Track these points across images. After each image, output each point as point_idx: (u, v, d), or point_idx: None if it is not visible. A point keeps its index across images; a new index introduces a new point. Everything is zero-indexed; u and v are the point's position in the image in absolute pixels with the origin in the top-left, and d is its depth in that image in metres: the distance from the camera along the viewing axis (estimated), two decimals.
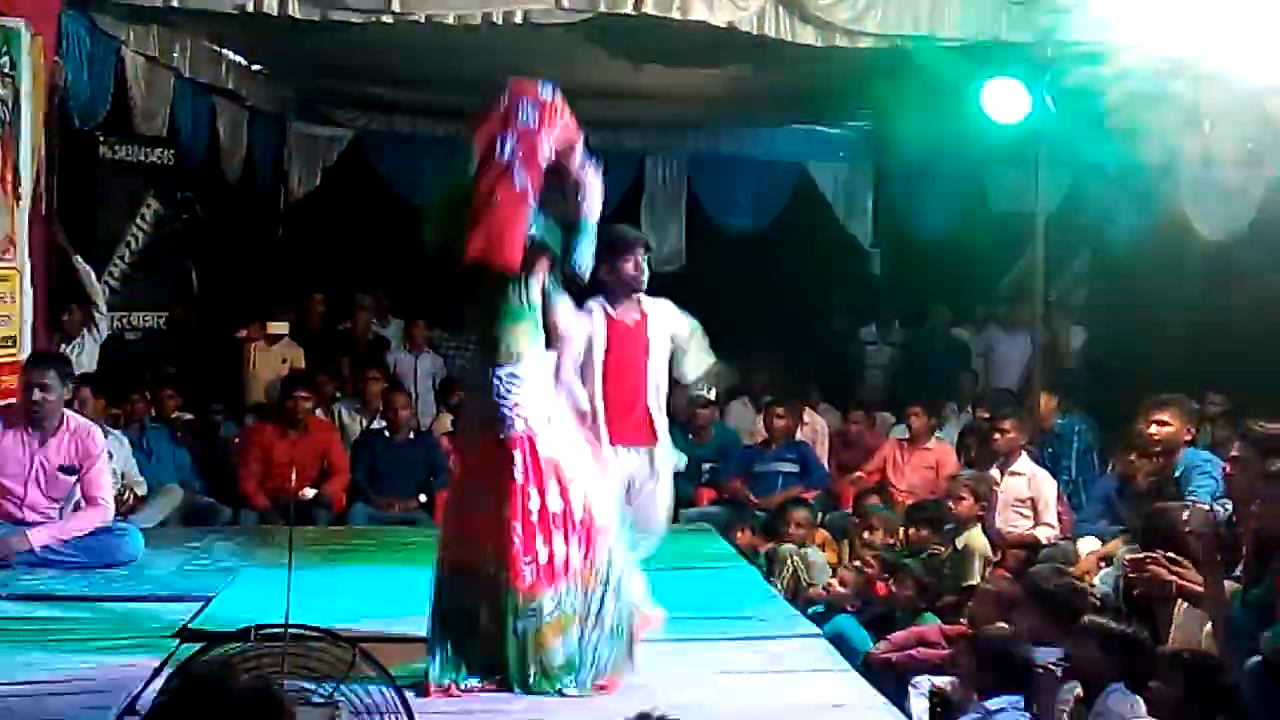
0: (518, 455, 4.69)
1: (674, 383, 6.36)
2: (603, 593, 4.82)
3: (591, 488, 4.87)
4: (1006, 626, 5.28)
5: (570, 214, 4.91)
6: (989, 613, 5.71)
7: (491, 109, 4.84)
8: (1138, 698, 4.37)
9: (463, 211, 4.74)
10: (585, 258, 4.94)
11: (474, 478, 4.86)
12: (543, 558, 4.69)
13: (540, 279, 4.88)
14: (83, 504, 6.61)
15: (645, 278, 6.02)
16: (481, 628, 4.72)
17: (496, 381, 4.72)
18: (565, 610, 4.73)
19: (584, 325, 5.78)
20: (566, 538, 4.74)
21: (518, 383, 4.73)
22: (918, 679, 5.42)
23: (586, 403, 5.77)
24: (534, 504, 4.69)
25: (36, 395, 6.46)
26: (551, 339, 5.07)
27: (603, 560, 4.82)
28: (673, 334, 6.17)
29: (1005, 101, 8.87)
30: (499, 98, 4.85)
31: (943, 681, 5.35)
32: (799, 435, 9.60)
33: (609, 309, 6.00)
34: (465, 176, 4.79)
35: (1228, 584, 4.97)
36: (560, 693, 4.71)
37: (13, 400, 6.82)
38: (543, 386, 4.86)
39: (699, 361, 6.27)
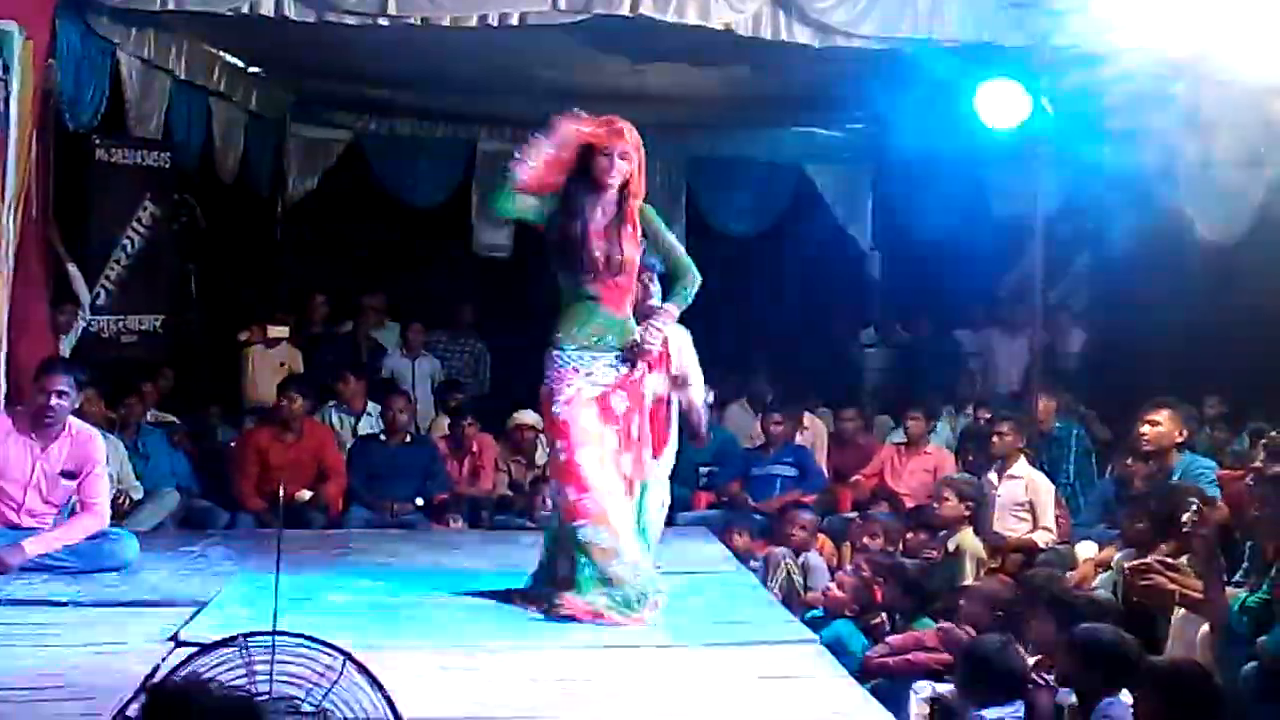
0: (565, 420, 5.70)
1: None
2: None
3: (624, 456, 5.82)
4: (997, 634, 5.26)
5: None
6: (979, 613, 5.69)
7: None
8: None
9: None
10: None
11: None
12: (585, 495, 5.60)
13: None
14: (79, 510, 6.59)
15: (652, 300, 6.27)
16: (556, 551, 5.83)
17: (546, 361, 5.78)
18: (605, 543, 5.59)
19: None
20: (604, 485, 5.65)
21: (554, 364, 5.73)
22: (918, 685, 5.39)
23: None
24: (564, 454, 5.65)
25: (54, 401, 6.42)
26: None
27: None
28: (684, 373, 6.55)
29: (1004, 104, 8.85)
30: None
31: (944, 688, 5.33)
32: (798, 439, 9.58)
33: None
34: None
35: (1228, 590, 4.96)
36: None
37: None
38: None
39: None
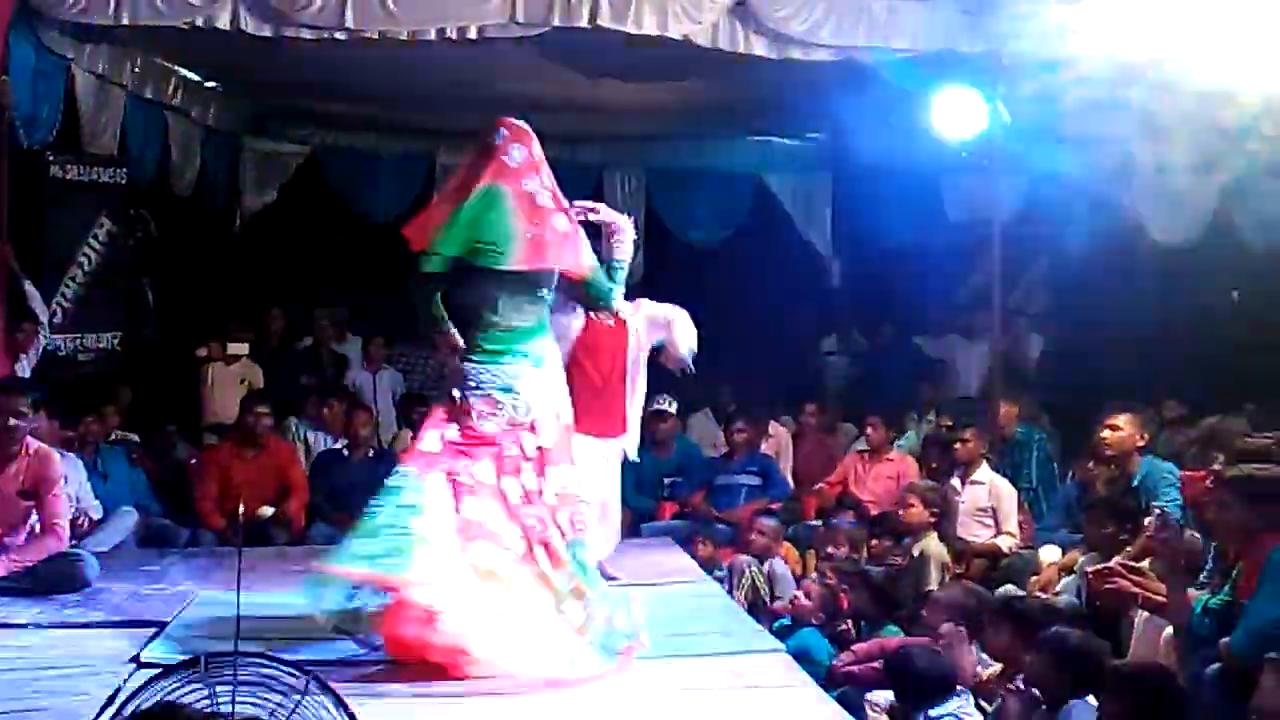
0: None
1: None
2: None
3: None
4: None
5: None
6: (942, 620, 5.70)
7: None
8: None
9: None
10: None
11: None
12: None
13: None
14: (39, 531, 6.51)
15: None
16: None
17: None
18: None
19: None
20: None
21: None
22: (872, 694, 5.40)
23: None
24: None
25: (11, 422, 6.35)
26: None
27: None
28: (664, 320, 6.73)
29: (960, 111, 8.90)
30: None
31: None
32: (764, 447, 9.59)
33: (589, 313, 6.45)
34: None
35: (1190, 591, 4.99)
36: None
37: None
38: None
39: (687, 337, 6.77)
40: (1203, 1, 6.94)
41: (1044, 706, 4.69)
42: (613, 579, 6.21)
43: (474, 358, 5.29)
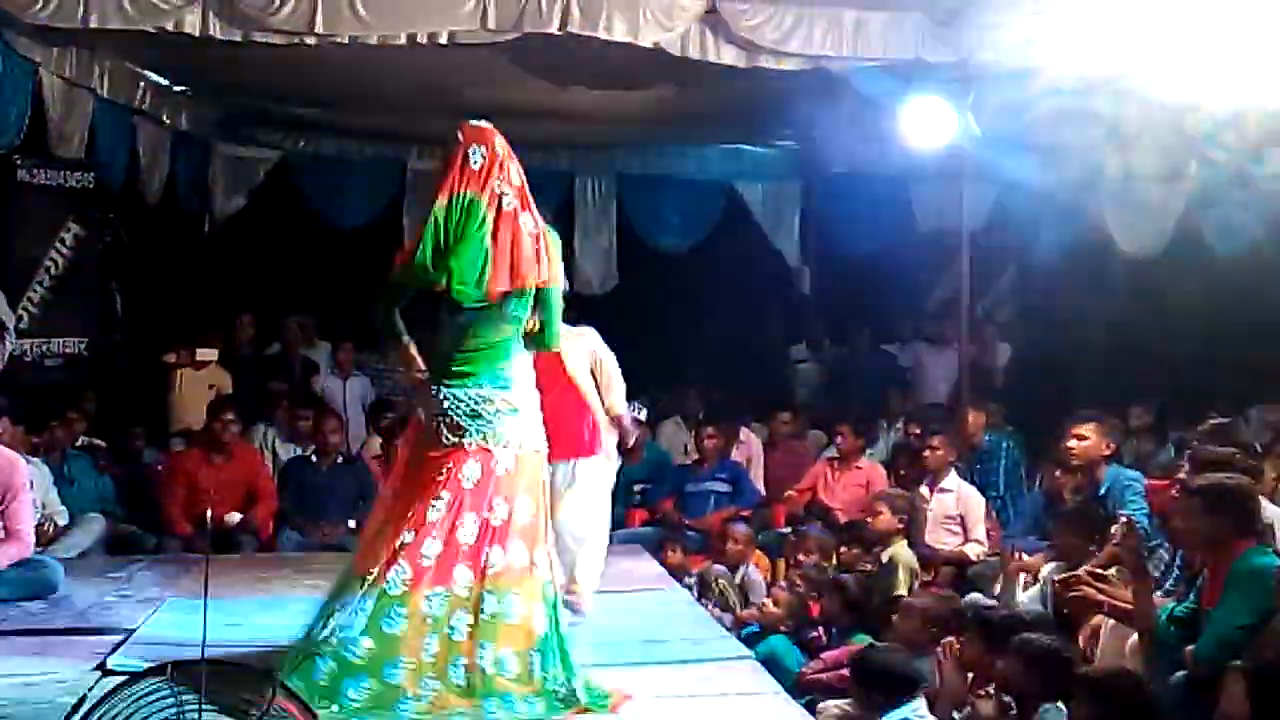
0: None
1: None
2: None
3: None
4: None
5: None
6: (914, 627, 5.72)
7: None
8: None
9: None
10: None
11: None
12: None
13: None
14: (3, 537, 6.47)
15: None
16: None
17: None
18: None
19: None
20: None
21: None
22: (823, 704, 5.39)
23: None
24: None
25: None
26: None
27: None
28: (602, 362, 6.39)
29: (930, 120, 8.94)
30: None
31: (844, 703, 5.32)
32: (735, 455, 9.59)
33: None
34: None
35: (1156, 597, 5.03)
36: None
37: None
38: None
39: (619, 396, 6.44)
40: (1168, 13, 7.00)
41: (1014, 712, 4.72)
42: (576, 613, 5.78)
43: (442, 380, 5.03)
